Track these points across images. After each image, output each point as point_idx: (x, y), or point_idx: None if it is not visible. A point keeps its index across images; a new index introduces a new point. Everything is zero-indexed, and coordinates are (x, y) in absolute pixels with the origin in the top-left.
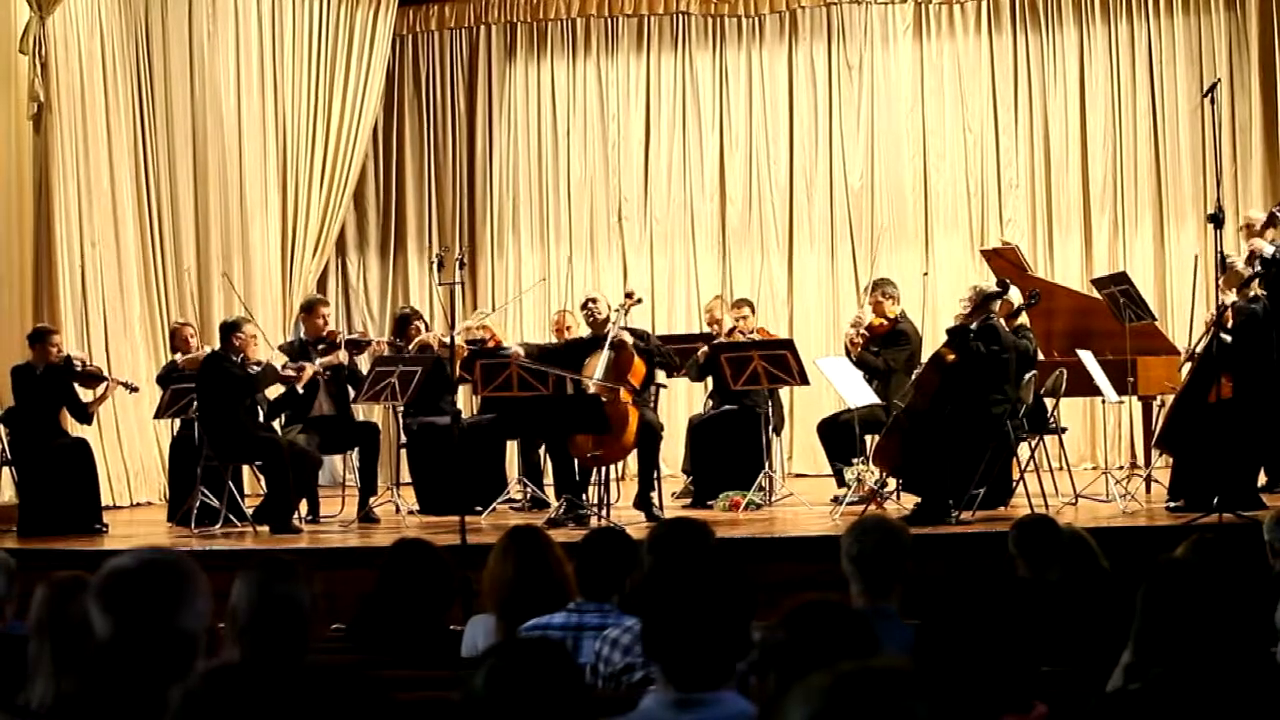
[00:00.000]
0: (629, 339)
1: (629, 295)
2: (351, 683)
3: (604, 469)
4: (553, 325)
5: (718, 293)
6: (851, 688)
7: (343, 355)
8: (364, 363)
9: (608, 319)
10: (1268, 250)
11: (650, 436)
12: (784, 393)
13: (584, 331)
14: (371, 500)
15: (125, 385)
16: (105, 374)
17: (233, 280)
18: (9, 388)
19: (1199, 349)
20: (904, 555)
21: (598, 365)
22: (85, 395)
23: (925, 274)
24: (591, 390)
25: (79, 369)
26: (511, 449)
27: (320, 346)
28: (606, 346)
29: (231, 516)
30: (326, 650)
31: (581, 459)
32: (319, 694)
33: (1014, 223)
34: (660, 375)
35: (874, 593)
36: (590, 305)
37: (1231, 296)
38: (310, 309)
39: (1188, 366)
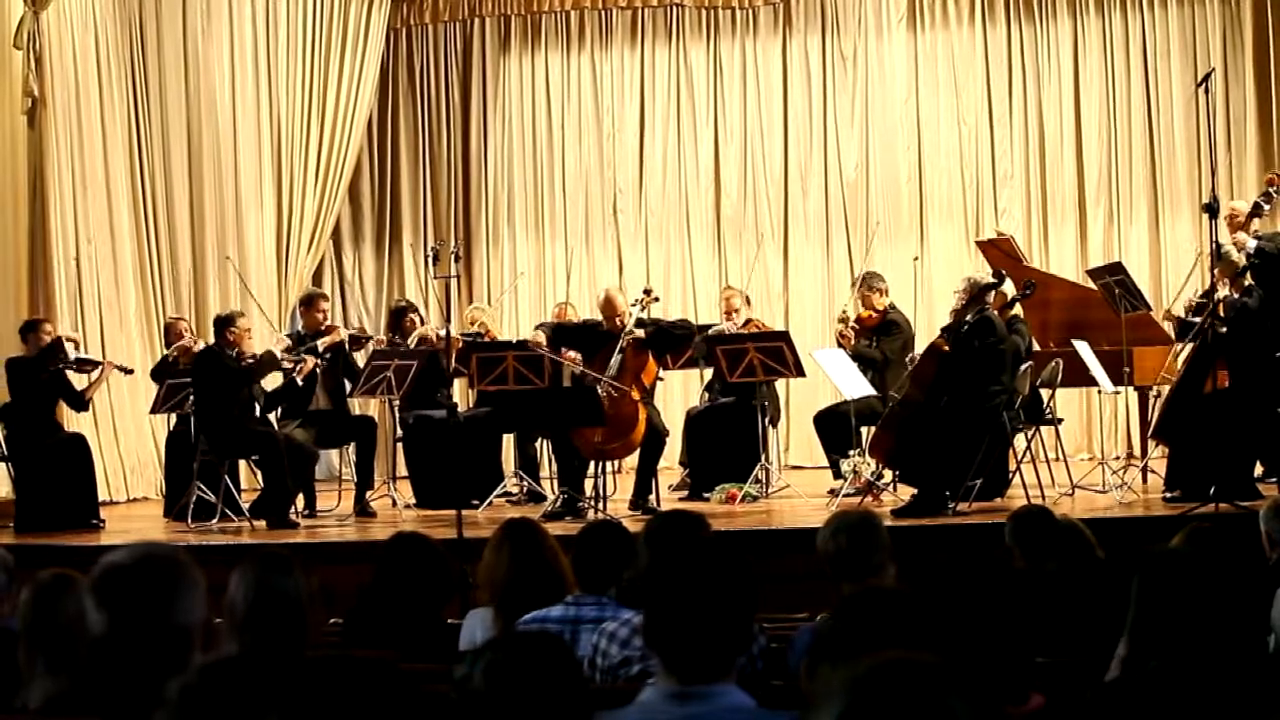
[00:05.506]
0: (640, 333)
1: (647, 292)
2: (372, 676)
3: (601, 462)
4: (554, 318)
5: (721, 283)
6: (884, 682)
7: (342, 333)
8: (362, 358)
9: (624, 316)
10: (1251, 245)
11: (655, 441)
12: (780, 384)
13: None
14: (368, 494)
15: (120, 368)
16: (98, 359)
17: (226, 275)
18: (5, 383)
19: (1191, 317)
20: (880, 542)
21: (610, 362)
22: (80, 382)
23: (916, 258)
24: (604, 385)
25: (71, 356)
26: (508, 442)
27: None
28: (619, 346)
29: (228, 511)
30: (324, 645)
31: (587, 452)
32: (327, 686)
33: (1009, 214)
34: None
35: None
36: (612, 302)
37: (1225, 290)
38: (310, 303)
39: (1183, 356)
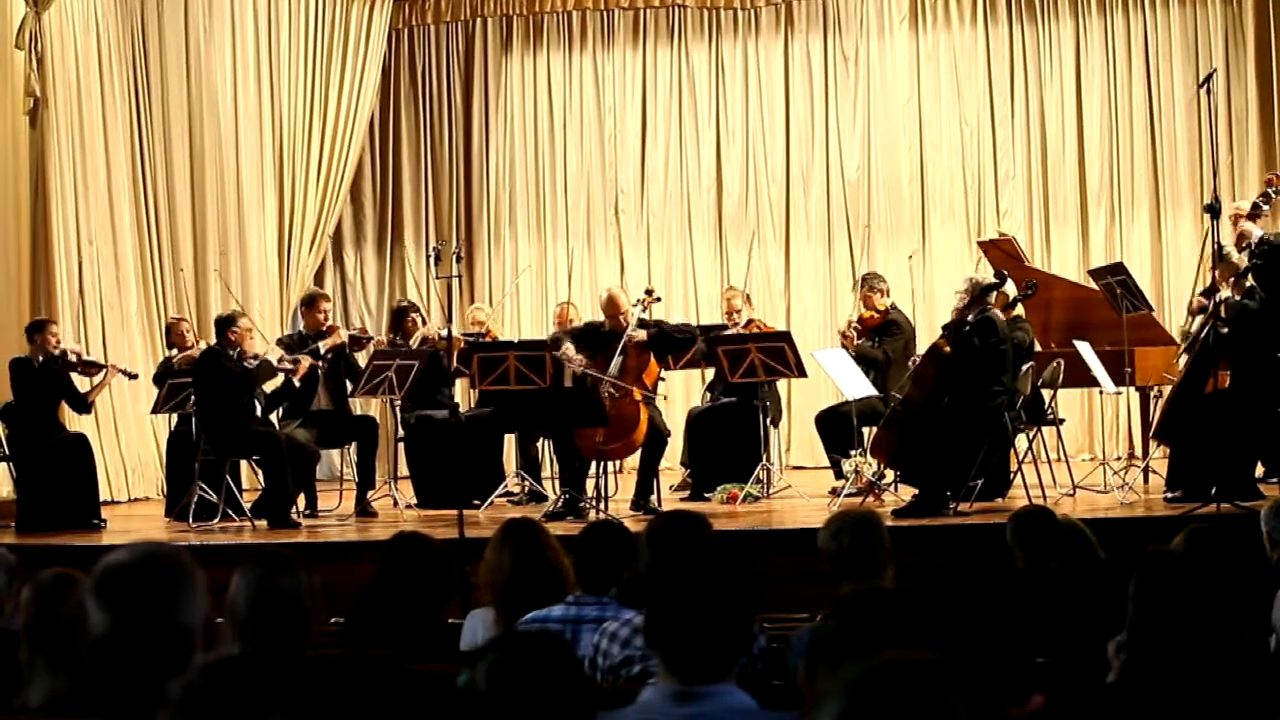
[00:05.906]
0: (642, 335)
1: (649, 292)
2: (377, 676)
3: (602, 462)
4: (555, 317)
5: (722, 284)
6: (884, 682)
7: (342, 334)
8: (363, 358)
9: (627, 315)
10: (1256, 234)
11: (656, 441)
12: (781, 385)
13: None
14: (369, 494)
15: (124, 372)
16: (103, 361)
17: (229, 275)
18: (8, 382)
19: (1193, 328)
20: (881, 542)
21: (612, 363)
22: (83, 384)
23: (910, 256)
24: (605, 384)
25: (75, 360)
26: (509, 442)
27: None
28: (621, 346)
29: (229, 511)
30: (325, 645)
31: (588, 452)
32: (332, 686)
33: (1010, 214)
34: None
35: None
36: (615, 301)
37: (1226, 291)
38: (311, 303)
39: (1184, 358)
